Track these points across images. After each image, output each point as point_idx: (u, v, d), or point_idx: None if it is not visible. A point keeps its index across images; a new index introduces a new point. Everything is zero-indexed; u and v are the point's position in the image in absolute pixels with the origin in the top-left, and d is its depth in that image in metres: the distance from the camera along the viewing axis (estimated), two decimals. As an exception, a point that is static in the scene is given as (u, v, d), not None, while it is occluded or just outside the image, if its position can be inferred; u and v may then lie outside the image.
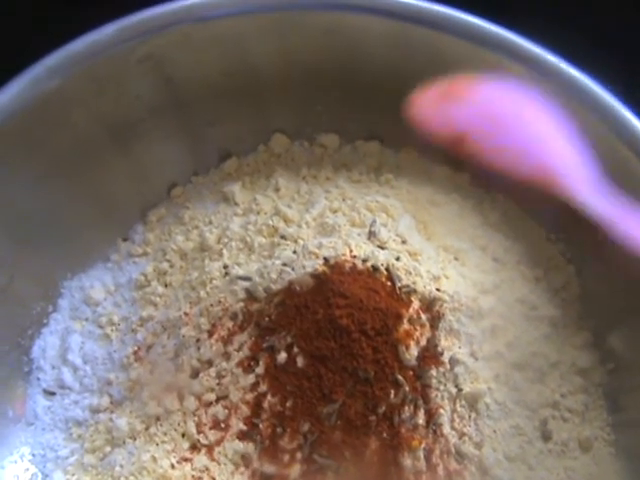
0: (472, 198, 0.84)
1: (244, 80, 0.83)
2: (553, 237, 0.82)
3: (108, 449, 0.74)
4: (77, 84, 0.76)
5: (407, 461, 0.69)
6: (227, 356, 0.72)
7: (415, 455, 0.69)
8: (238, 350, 0.71)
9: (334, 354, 0.69)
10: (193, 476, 0.71)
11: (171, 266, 0.80)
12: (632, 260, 0.62)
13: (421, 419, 0.70)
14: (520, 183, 0.78)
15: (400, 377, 0.69)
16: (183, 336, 0.73)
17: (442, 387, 0.71)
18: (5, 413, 0.76)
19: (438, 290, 0.72)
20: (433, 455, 0.70)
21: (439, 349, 0.71)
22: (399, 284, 0.71)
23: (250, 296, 0.72)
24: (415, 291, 0.71)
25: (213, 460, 0.71)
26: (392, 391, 0.69)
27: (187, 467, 0.71)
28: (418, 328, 0.70)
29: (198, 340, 0.73)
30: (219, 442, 0.71)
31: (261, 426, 0.70)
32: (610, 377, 0.77)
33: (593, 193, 0.61)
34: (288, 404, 0.69)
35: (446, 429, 0.70)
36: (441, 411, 0.70)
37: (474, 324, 0.73)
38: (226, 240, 0.78)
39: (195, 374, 0.73)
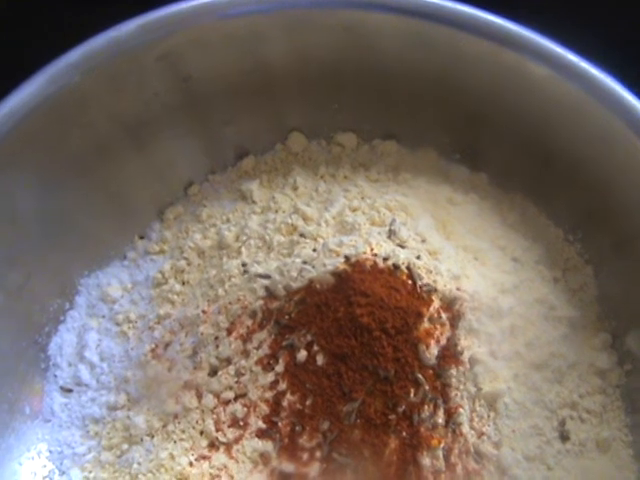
0: (490, 198, 0.84)
1: (261, 78, 0.83)
2: (571, 238, 0.82)
3: (125, 446, 0.73)
4: (96, 81, 0.76)
5: (426, 460, 0.69)
6: (246, 354, 0.71)
7: (434, 454, 0.69)
8: (257, 348, 0.71)
9: (354, 352, 0.69)
10: (211, 474, 0.70)
11: (189, 264, 0.80)
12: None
13: (440, 418, 0.70)
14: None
15: (420, 376, 0.69)
16: (201, 334, 0.73)
17: (462, 386, 0.70)
18: (22, 410, 0.76)
19: (458, 289, 0.72)
20: (452, 454, 0.70)
21: (459, 348, 0.71)
22: (420, 283, 0.71)
23: (270, 294, 0.72)
24: (436, 290, 0.71)
25: (231, 458, 0.71)
26: (412, 390, 0.69)
27: (205, 465, 0.71)
28: (438, 327, 0.70)
29: (217, 338, 0.73)
30: (238, 440, 0.71)
31: (280, 424, 0.70)
32: (628, 378, 0.77)
33: None
34: (308, 402, 0.69)
35: (465, 428, 0.70)
36: (460, 410, 0.70)
37: (494, 324, 0.73)
38: (244, 238, 0.78)
39: (213, 372, 0.73)
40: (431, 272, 0.72)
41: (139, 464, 0.71)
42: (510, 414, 0.72)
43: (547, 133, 0.80)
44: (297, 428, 0.69)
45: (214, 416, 0.71)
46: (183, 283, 0.79)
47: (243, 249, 0.76)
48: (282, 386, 0.70)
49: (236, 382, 0.71)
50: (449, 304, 0.71)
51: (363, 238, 0.73)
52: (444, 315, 0.71)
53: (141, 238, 0.85)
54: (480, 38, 0.78)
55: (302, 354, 0.69)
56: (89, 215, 0.81)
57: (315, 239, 0.75)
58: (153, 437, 0.72)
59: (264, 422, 0.70)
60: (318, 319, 0.69)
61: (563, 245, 0.82)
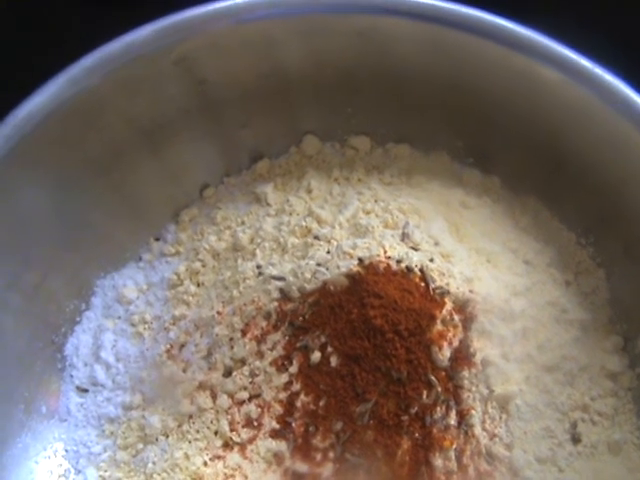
0: (503, 201, 0.84)
1: (276, 83, 0.84)
2: (583, 241, 0.82)
3: (140, 446, 0.74)
4: (113, 84, 0.77)
5: (438, 461, 0.70)
6: (260, 355, 0.72)
7: (446, 455, 0.70)
8: (272, 349, 0.72)
9: (368, 354, 0.69)
10: (225, 474, 0.71)
11: (203, 265, 0.81)
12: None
13: (453, 420, 0.70)
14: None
15: (433, 378, 0.70)
16: (216, 335, 0.74)
17: (474, 388, 0.71)
18: (39, 409, 0.77)
19: (471, 292, 0.73)
20: (464, 456, 0.70)
21: (471, 350, 0.71)
22: (433, 285, 0.71)
23: (284, 296, 0.73)
24: (448, 292, 0.72)
25: (246, 458, 0.71)
26: (424, 391, 0.70)
27: (220, 465, 0.71)
28: (451, 329, 0.71)
29: (231, 339, 0.74)
30: (252, 440, 0.71)
31: (294, 425, 0.71)
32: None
33: None
34: (321, 403, 0.70)
35: (477, 430, 0.71)
36: (472, 412, 0.71)
37: (506, 326, 0.73)
38: (259, 240, 0.78)
39: (228, 373, 0.73)
40: (444, 275, 0.72)
41: (154, 463, 0.72)
42: (522, 416, 0.72)
43: (559, 137, 0.80)
44: (311, 428, 0.70)
45: (228, 416, 0.72)
46: (198, 285, 0.80)
47: (258, 251, 0.77)
48: (296, 387, 0.70)
49: (250, 383, 0.72)
50: (462, 306, 0.72)
51: (377, 241, 0.74)
52: (457, 317, 0.71)
53: (156, 240, 0.86)
54: (492, 43, 0.78)
55: (316, 355, 0.70)
56: (105, 217, 0.82)
57: (329, 241, 0.75)
58: (168, 437, 0.73)
59: (278, 422, 0.71)
60: (332, 321, 0.70)
61: (575, 248, 0.82)
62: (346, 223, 0.77)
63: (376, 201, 0.80)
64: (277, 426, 0.71)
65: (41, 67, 0.72)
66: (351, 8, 0.80)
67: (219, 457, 0.71)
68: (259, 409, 0.71)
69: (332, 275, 0.71)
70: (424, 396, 0.69)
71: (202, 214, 0.85)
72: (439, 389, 0.69)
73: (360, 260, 0.72)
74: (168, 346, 0.77)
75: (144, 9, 0.76)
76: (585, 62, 0.75)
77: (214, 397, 0.73)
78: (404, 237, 0.75)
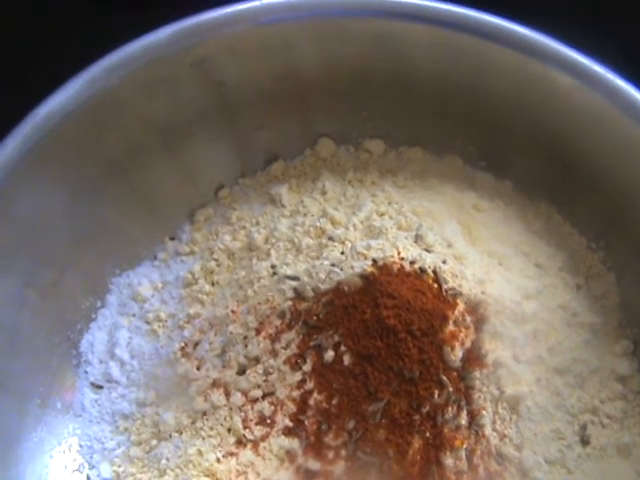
0: (515, 205, 0.85)
1: (292, 85, 0.85)
2: (594, 246, 0.83)
3: (154, 442, 0.75)
4: (132, 85, 0.78)
5: (449, 461, 0.70)
6: (274, 353, 0.73)
7: (457, 455, 0.70)
8: (285, 348, 0.73)
9: (381, 353, 0.70)
10: (238, 470, 0.72)
11: (218, 265, 0.82)
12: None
13: (464, 420, 0.71)
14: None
15: (444, 378, 0.70)
16: (230, 333, 0.75)
17: (485, 389, 0.72)
18: (54, 404, 0.78)
19: (483, 293, 0.74)
20: (474, 456, 0.71)
21: (483, 351, 0.72)
22: (445, 286, 0.72)
23: (298, 295, 0.74)
24: (461, 294, 0.73)
25: (258, 455, 0.72)
26: (436, 391, 0.70)
27: (232, 461, 0.72)
28: (463, 330, 0.72)
29: (245, 337, 0.74)
30: (265, 438, 0.72)
31: (307, 423, 0.71)
32: (649, 385, 0.77)
33: None
34: (334, 401, 0.71)
35: (488, 430, 0.71)
36: (483, 412, 0.71)
37: (517, 328, 0.74)
38: (274, 240, 0.79)
39: (242, 371, 0.74)
40: (457, 276, 0.73)
41: (167, 460, 0.73)
42: (532, 417, 0.73)
43: (571, 142, 0.81)
44: (323, 427, 0.71)
45: (242, 414, 0.73)
46: (213, 284, 0.81)
47: (272, 251, 0.78)
48: (309, 385, 0.71)
49: (264, 381, 0.73)
50: (474, 308, 0.73)
51: (390, 242, 0.74)
52: (469, 318, 0.72)
53: (171, 239, 0.87)
54: (506, 48, 0.79)
55: (329, 354, 0.71)
56: (121, 216, 0.83)
57: (343, 242, 0.76)
58: (182, 433, 0.74)
59: (291, 420, 0.71)
60: (345, 320, 0.71)
61: (586, 253, 0.83)
62: (360, 224, 0.78)
63: (390, 203, 0.80)
64: (290, 424, 0.71)
65: (61, 67, 0.73)
66: (367, 12, 0.81)
67: (232, 454, 0.72)
68: (272, 407, 0.72)
69: (346, 275, 0.72)
70: (436, 396, 0.70)
71: (217, 214, 0.86)
72: (451, 389, 0.70)
73: (374, 261, 0.72)
74: (182, 344, 0.78)
75: (165, 11, 0.77)
76: (598, 68, 0.76)
77: (228, 395, 0.73)
78: (417, 239, 0.75)
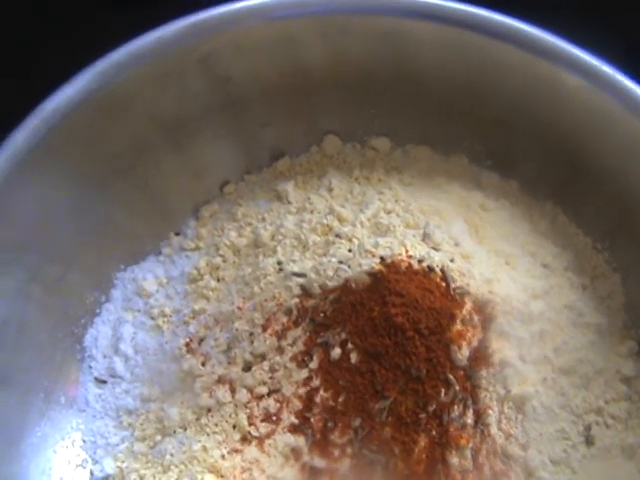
0: (521, 205, 0.85)
1: (299, 82, 0.85)
2: (599, 246, 0.83)
3: (158, 438, 0.75)
4: (140, 80, 0.77)
5: (454, 459, 0.70)
6: (281, 350, 0.73)
7: (462, 454, 0.70)
8: (292, 345, 0.73)
9: (388, 351, 0.70)
10: (243, 467, 0.72)
11: (224, 261, 0.82)
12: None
13: (470, 419, 0.71)
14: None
15: (451, 376, 0.70)
16: (236, 330, 0.75)
17: (491, 388, 0.72)
18: (58, 399, 0.77)
19: (490, 293, 0.74)
20: (480, 455, 0.71)
21: (489, 350, 0.72)
22: (453, 285, 0.72)
23: (305, 292, 0.74)
24: (468, 293, 0.73)
25: (263, 452, 0.72)
26: (443, 390, 0.70)
27: (237, 458, 0.72)
28: (470, 329, 0.72)
29: (252, 334, 0.74)
30: (270, 435, 0.72)
31: (312, 420, 0.71)
32: (654, 387, 0.77)
33: None
34: (340, 399, 0.71)
35: (493, 429, 0.71)
36: (489, 412, 0.71)
37: (524, 327, 0.74)
38: (280, 237, 0.79)
39: (248, 367, 0.74)
40: (464, 275, 0.73)
41: (172, 455, 0.73)
42: (537, 417, 0.73)
43: (578, 142, 0.81)
44: (329, 424, 0.70)
45: (247, 410, 0.73)
46: (218, 280, 0.81)
47: (279, 248, 0.78)
48: (315, 382, 0.71)
49: (270, 378, 0.73)
50: (481, 307, 0.73)
51: (398, 240, 0.74)
52: (476, 317, 0.72)
53: (176, 235, 0.86)
54: (515, 48, 0.79)
55: (336, 352, 0.71)
56: (126, 211, 0.83)
57: (350, 240, 0.76)
58: (186, 429, 0.74)
59: (297, 417, 0.71)
60: (353, 318, 0.71)
61: (591, 253, 0.83)
62: (367, 222, 0.78)
63: (397, 201, 0.80)
64: (296, 421, 0.71)
65: (72, 62, 0.73)
66: (374, 10, 0.81)
67: (237, 451, 0.72)
68: (278, 404, 0.72)
69: (354, 273, 0.72)
70: (442, 394, 0.70)
71: (222, 210, 0.86)
72: (457, 388, 0.70)
73: (382, 259, 0.72)
74: (187, 339, 0.78)
75: (173, 7, 0.77)
76: (607, 68, 0.76)
77: (233, 391, 0.73)
78: (425, 237, 0.75)
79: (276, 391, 0.72)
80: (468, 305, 0.72)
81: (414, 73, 0.84)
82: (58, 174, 0.76)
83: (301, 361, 0.72)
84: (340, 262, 0.73)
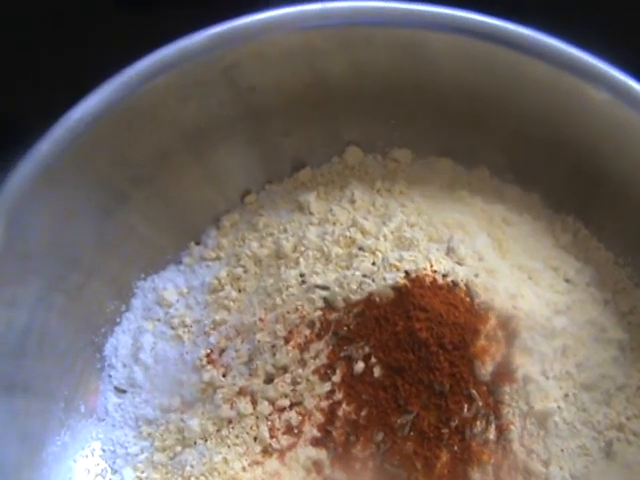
0: (543, 219, 0.85)
1: (320, 93, 0.85)
2: (621, 261, 0.83)
3: (179, 449, 0.75)
4: (165, 90, 0.78)
5: (476, 475, 0.70)
6: (303, 363, 0.73)
7: (484, 469, 0.70)
8: (314, 358, 0.73)
9: (411, 366, 0.70)
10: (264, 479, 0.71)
11: (245, 271, 0.81)
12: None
13: (492, 434, 0.71)
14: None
15: (474, 392, 0.70)
16: (258, 341, 0.75)
17: (514, 404, 0.72)
18: (78, 408, 0.77)
19: (514, 308, 0.73)
20: (501, 471, 0.71)
21: (513, 366, 0.72)
22: (477, 300, 0.72)
23: (328, 305, 0.74)
24: (493, 308, 0.72)
25: (284, 465, 0.72)
26: (466, 405, 0.70)
27: (258, 470, 0.72)
28: (494, 344, 0.72)
29: (274, 346, 0.74)
30: (291, 447, 0.72)
31: (335, 434, 0.71)
32: (675, 403, 0.77)
33: None
34: (363, 413, 0.71)
35: (515, 445, 0.71)
36: (512, 427, 0.71)
37: (547, 343, 0.74)
38: (302, 249, 0.79)
39: (269, 379, 0.74)
40: (488, 290, 0.73)
41: (192, 467, 0.72)
42: (559, 433, 0.73)
43: (600, 157, 0.81)
44: (351, 438, 0.70)
45: (269, 423, 0.73)
46: (239, 290, 0.81)
47: (301, 259, 0.78)
48: (338, 396, 0.71)
49: (292, 390, 0.72)
50: (505, 322, 0.73)
51: (423, 254, 0.74)
52: (500, 333, 0.72)
53: (197, 244, 0.86)
54: (540, 61, 0.79)
55: (359, 366, 0.71)
56: (147, 220, 0.83)
57: (374, 253, 0.76)
58: (207, 441, 0.74)
59: (319, 431, 0.71)
60: (377, 332, 0.71)
61: (613, 268, 0.83)
62: (390, 235, 0.77)
63: (419, 214, 0.80)
64: (318, 434, 0.71)
65: (96, 72, 0.73)
66: (396, 21, 0.81)
67: (258, 463, 0.72)
68: (300, 417, 0.72)
69: (378, 286, 0.72)
70: (465, 410, 0.70)
71: (243, 220, 0.86)
72: (480, 403, 0.70)
73: (406, 273, 0.72)
74: (208, 350, 0.78)
75: (197, 17, 0.77)
76: (633, 83, 0.76)
77: (254, 403, 0.73)
78: (449, 251, 0.75)
79: (298, 404, 0.72)
80: (492, 320, 0.72)
81: (435, 85, 0.84)
82: (81, 183, 0.76)
83: (324, 374, 0.72)
84: (364, 275, 0.73)
